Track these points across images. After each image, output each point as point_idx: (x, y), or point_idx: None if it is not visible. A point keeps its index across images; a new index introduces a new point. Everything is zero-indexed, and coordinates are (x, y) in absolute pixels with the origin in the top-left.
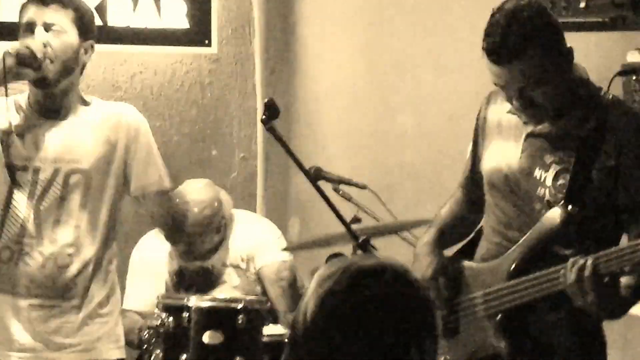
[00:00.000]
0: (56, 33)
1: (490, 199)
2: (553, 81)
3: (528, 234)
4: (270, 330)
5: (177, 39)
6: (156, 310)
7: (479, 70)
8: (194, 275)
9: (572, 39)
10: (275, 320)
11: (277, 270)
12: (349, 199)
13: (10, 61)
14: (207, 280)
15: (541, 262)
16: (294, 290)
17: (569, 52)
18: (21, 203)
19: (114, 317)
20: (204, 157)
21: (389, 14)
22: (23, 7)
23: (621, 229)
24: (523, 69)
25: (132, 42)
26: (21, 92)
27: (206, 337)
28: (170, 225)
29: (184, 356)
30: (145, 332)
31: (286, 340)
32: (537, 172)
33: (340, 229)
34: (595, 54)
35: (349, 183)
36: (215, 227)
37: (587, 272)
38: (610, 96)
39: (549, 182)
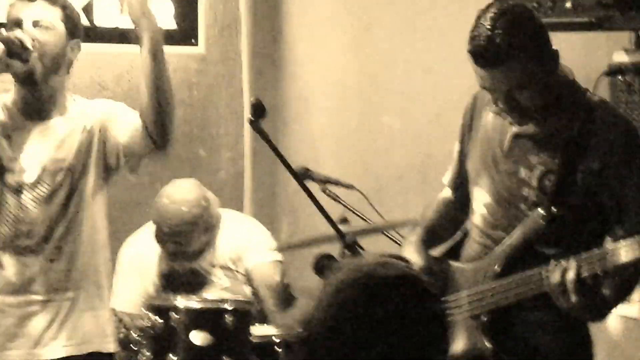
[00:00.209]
0: (44, 29)
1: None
2: (539, 84)
3: (512, 234)
4: (260, 330)
5: (164, 39)
6: (144, 311)
7: (466, 70)
8: (182, 276)
9: (558, 39)
10: (264, 321)
11: (267, 271)
12: (335, 198)
13: None
14: (195, 282)
15: (526, 263)
16: (283, 290)
17: (555, 54)
18: (10, 203)
19: (105, 311)
20: (192, 156)
21: (377, 14)
22: (11, 6)
23: (605, 230)
24: (508, 72)
25: (119, 42)
26: (6, 92)
27: (195, 338)
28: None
29: (173, 357)
30: (134, 334)
31: (294, 341)
32: (523, 173)
33: (329, 228)
34: (582, 54)
35: (336, 183)
36: (204, 226)
37: (569, 274)
38: (596, 97)
39: (534, 183)
